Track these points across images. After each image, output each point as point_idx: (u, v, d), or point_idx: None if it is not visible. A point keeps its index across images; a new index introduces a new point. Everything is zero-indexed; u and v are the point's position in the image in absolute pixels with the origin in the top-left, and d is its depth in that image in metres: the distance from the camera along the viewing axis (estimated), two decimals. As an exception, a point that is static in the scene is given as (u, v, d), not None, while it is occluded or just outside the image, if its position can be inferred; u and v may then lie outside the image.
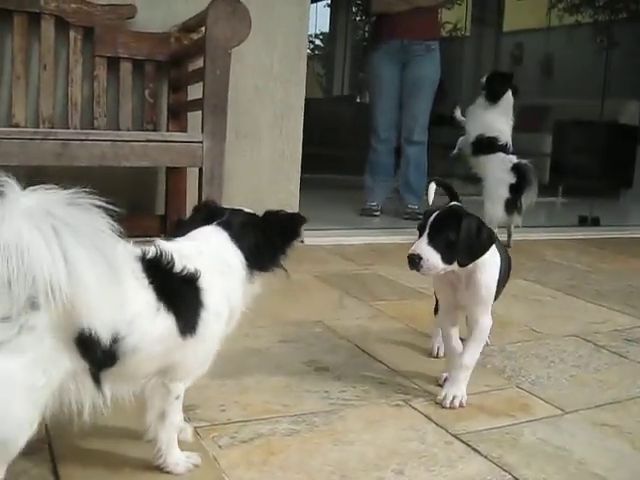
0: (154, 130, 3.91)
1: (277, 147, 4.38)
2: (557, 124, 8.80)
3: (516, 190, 4.60)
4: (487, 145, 4.79)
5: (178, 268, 1.48)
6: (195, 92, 3.76)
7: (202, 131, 3.14)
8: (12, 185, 1.22)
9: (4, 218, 1.18)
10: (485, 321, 2.11)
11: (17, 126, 3.60)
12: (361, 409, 2.00)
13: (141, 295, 1.41)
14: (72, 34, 3.76)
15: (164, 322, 1.43)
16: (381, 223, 5.46)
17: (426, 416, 1.98)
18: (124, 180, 3.85)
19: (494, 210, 4.64)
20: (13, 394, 1.25)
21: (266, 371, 2.20)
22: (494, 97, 4.87)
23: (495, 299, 2.16)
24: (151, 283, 1.42)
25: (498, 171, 4.69)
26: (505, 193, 4.62)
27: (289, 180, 4.32)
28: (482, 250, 1.99)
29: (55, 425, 1.65)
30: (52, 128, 3.62)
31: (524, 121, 8.86)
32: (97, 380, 1.39)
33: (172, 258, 1.48)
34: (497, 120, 4.84)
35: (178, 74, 3.95)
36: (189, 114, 3.91)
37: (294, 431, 1.83)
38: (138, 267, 1.43)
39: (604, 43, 10.43)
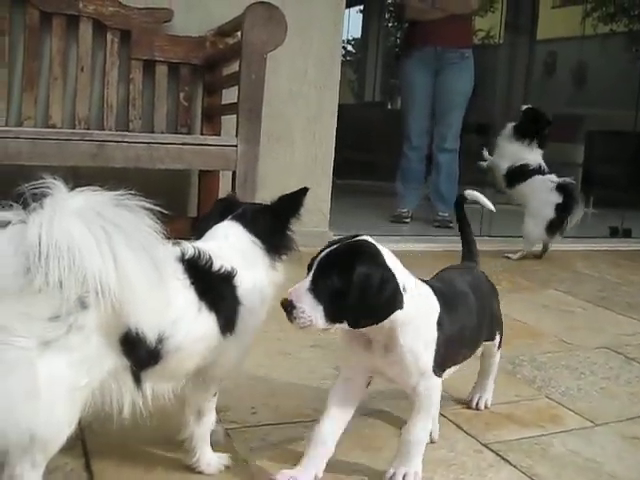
0: (188, 133, 3.94)
1: (310, 151, 4.39)
2: (589, 134, 8.74)
3: (562, 209, 4.57)
4: (520, 173, 4.76)
5: (216, 267, 1.51)
6: (229, 96, 3.79)
7: (236, 135, 3.16)
8: (59, 186, 1.25)
9: (54, 218, 1.20)
10: (427, 386, 1.61)
11: (54, 127, 3.64)
12: (391, 416, 2.00)
13: (184, 295, 1.44)
14: (109, 37, 3.80)
15: (206, 321, 1.47)
16: (411, 230, 5.46)
17: (456, 424, 1.98)
18: (157, 182, 3.86)
19: (536, 230, 4.61)
20: (57, 394, 1.26)
21: (297, 375, 2.21)
22: (523, 135, 4.84)
23: (454, 362, 1.74)
24: (192, 284, 1.46)
25: (541, 192, 4.65)
26: (551, 213, 4.58)
27: (320, 185, 4.32)
28: (383, 311, 1.47)
29: (89, 422, 1.68)
30: (88, 129, 3.67)
31: (556, 131, 8.81)
32: (138, 379, 1.40)
33: (210, 258, 1.51)
34: (524, 150, 4.82)
35: (213, 78, 3.98)
36: (223, 118, 3.94)
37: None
38: (179, 268, 1.46)
39: (639, 53, 10.34)
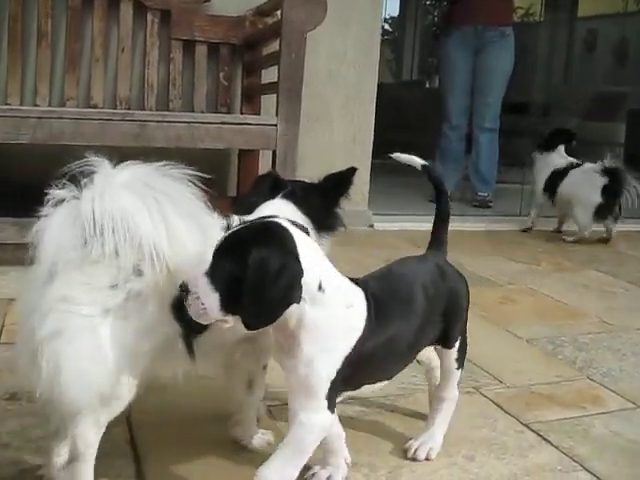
0: (227, 113, 3.96)
1: (348, 131, 4.39)
2: (631, 113, 8.60)
3: (610, 193, 4.50)
4: (556, 176, 4.71)
5: None
6: (269, 75, 3.80)
7: (276, 114, 3.17)
8: (104, 163, 1.31)
9: (104, 192, 1.26)
10: (305, 422, 1.32)
11: (95, 107, 3.69)
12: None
13: None
14: (149, 17, 3.83)
15: None
16: (451, 210, 5.42)
17: (497, 404, 1.98)
18: (197, 162, 3.90)
19: (585, 216, 4.54)
20: (120, 357, 1.30)
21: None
22: (548, 147, 4.80)
23: (375, 380, 1.48)
24: None
25: (583, 181, 4.58)
26: (597, 198, 4.50)
27: (360, 165, 4.23)
28: (276, 304, 1.24)
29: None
30: (129, 109, 3.71)
31: (596, 110, 8.69)
32: (190, 346, 1.42)
33: None
34: (555, 157, 4.76)
35: (252, 57, 3.99)
36: (262, 97, 3.95)
37: (364, 413, 1.85)
38: None
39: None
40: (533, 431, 1.83)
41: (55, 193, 1.30)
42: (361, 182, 4.39)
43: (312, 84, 3.97)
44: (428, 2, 17.21)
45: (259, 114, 3.92)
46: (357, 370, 1.35)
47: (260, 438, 1.66)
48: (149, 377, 1.40)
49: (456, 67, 5.65)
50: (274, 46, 3.65)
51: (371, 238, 4.13)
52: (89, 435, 1.32)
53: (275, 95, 3.31)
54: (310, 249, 1.31)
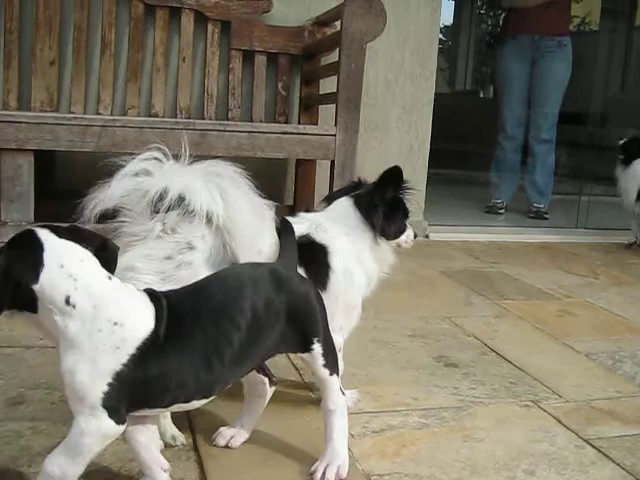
0: (286, 122, 4.00)
1: (405, 141, 4.39)
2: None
3: None
4: None
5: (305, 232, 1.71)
6: (326, 85, 3.82)
7: (335, 124, 3.19)
8: (182, 157, 1.54)
9: (173, 173, 1.46)
10: (82, 423, 1.27)
11: (156, 116, 3.75)
12: (490, 407, 2.00)
13: (272, 249, 1.61)
14: (210, 27, 3.89)
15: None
16: (506, 221, 5.40)
17: (556, 418, 1.96)
18: (255, 170, 3.95)
19: None
20: None
21: (396, 364, 2.22)
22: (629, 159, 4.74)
23: (186, 396, 1.35)
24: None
25: None
26: None
27: (416, 174, 4.30)
28: None
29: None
30: (189, 118, 3.76)
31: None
32: None
33: (293, 225, 1.65)
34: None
35: (310, 67, 4.02)
36: (320, 107, 3.98)
37: (424, 425, 1.85)
38: (273, 226, 1.64)
39: None
40: (594, 447, 1.81)
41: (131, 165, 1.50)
42: (417, 192, 4.38)
43: (369, 94, 3.99)
44: (482, 11, 17.11)
45: (316, 124, 3.95)
46: (145, 386, 1.29)
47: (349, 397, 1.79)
48: None
49: (512, 77, 5.61)
50: (332, 56, 3.69)
51: (427, 249, 4.13)
52: None
53: (332, 105, 3.34)
54: (68, 263, 1.24)
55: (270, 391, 1.64)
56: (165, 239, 1.47)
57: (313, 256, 1.70)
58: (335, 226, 1.79)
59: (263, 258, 1.58)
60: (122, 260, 1.40)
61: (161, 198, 1.45)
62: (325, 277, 1.71)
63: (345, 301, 1.76)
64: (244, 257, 1.53)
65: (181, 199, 1.46)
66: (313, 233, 1.75)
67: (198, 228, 1.50)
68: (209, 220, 1.48)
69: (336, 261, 1.74)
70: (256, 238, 1.54)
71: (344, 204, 1.84)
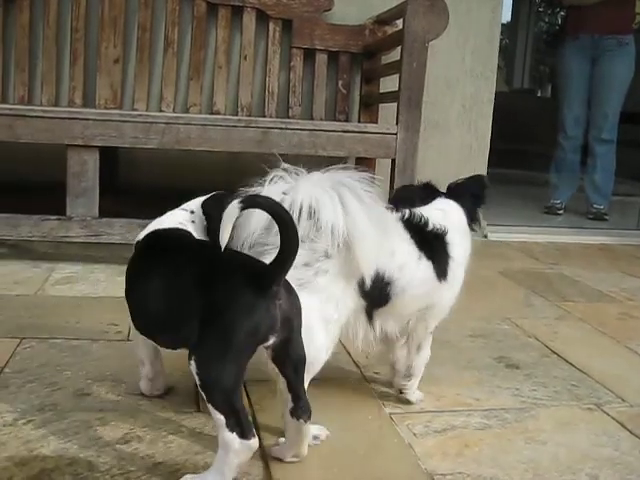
0: (346, 120, 4.01)
1: (465, 140, 4.37)
2: None
3: None
4: None
5: (430, 226, 1.81)
6: (386, 84, 3.82)
7: (397, 123, 3.19)
8: (301, 170, 1.61)
9: (300, 187, 1.54)
10: None
11: (218, 113, 3.80)
12: (552, 409, 1.98)
13: (405, 247, 1.76)
14: (271, 26, 3.92)
15: (425, 268, 1.78)
16: (565, 222, 5.32)
17: (619, 422, 1.93)
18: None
19: None
20: (314, 323, 1.58)
21: (457, 364, 2.22)
22: None
23: None
24: (411, 238, 1.77)
25: None
26: None
27: (476, 173, 4.27)
28: None
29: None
30: (250, 116, 3.80)
31: None
32: (370, 317, 1.74)
33: (424, 219, 1.82)
34: None
35: (371, 66, 4.02)
36: (380, 105, 3.98)
37: (486, 425, 1.84)
38: (400, 225, 1.78)
39: None
40: (659, 453, 1.79)
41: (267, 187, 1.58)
42: (476, 192, 4.36)
43: (429, 92, 3.97)
44: (541, 9, 16.94)
45: (377, 122, 3.95)
46: None
47: (419, 394, 1.95)
48: (336, 340, 1.69)
49: (572, 76, 5.53)
50: (392, 55, 3.69)
51: (486, 249, 4.10)
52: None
53: (392, 103, 3.34)
54: None
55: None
56: (302, 247, 1.48)
57: (436, 245, 1.83)
58: (452, 221, 1.90)
59: (397, 261, 1.72)
60: None
61: (294, 213, 1.52)
62: (446, 266, 1.84)
63: (456, 293, 1.89)
64: (368, 267, 1.64)
65: (311, 211, 1.55)
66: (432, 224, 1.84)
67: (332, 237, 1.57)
68: (332, 233, 1.55)
69: (455, 253, 1.86)
70: (376, 250, 1.62)
71: (452, 204, 1.95)
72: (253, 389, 1.91)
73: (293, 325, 1.43)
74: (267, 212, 1.38)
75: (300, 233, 1.43)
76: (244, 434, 1.36)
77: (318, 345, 1.60)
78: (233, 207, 1.34)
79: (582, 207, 5.65)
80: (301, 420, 1.48)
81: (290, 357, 1.45)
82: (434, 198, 1.94)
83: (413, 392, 1.93)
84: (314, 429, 1.66)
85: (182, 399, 1.85)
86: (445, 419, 1.85)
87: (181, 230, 1.70)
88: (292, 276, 1.48)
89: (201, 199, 1.81)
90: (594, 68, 5.43)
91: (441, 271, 1.81)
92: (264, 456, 1.58)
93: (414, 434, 1.76)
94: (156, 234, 1.72)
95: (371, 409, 1.88)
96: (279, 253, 1.38)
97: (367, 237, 1.57)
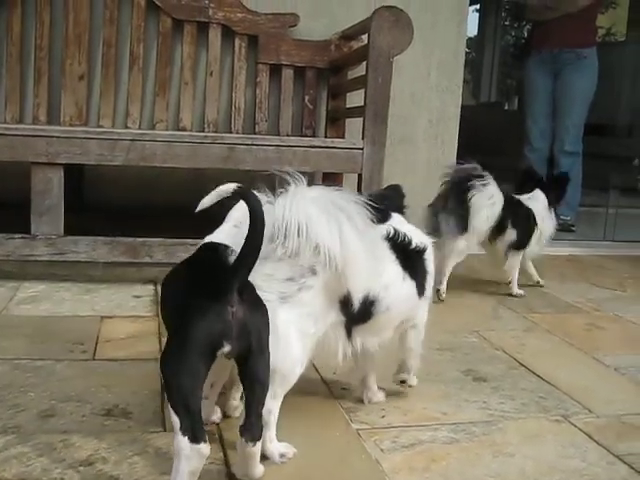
0: (313, 136, 4.01)
1: (432, 154, 4.39)
2: None
3: None
4: None
5: (413, 245, 1.87)
6: (353, 99, 3.83)
7: (362, 137, 3.20)
8: (300, 182, 1.61)
9: (294, 202, 1.54)
10: None
11: (184, 129, 3.79)
12: (519, 422, 1.99)
13: (392, 267, 1.81)
14: (237, 42, 3.92)
15: (408, 287, 1.84)
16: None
17: (586, 434, 1.94)
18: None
19: None
20: (291, 336, 1.60)
21: (424, 378, 2.21)
22: None
23: None
24: (397, 258, 1.82)
25: None
26: None
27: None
28: None
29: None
30: (216, 132, 3.79)
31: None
32: (349, 332, 1.75)
33: (408, 237, 1.87)
34: None
35: (337, 81, 4.03)
36: (346, 120, 3.99)
37: (454, 439, 1.84)
38: (386, 245, 1.82)
39: None
40: (625, 463, 1.79)
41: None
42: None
43: (395, 106, 3.98)
44: (507, 23, 17.09)
45: (343, 137, 3.96)
46: None
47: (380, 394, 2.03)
48: (312, 355, 1.70)
49: (536, 90, 5.61)
50: (359, 70, 3.70)
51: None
52: (270, 405, 1.59)
53: (358, 118, 3.35)
54: None
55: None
56: (287, 262, 1.57)
57: (417, 264, 1.92)
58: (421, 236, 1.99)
59: (383, 280, 1.76)
60: None
61: (283, 228, 1.55)
62: (425, 282, 1.95)
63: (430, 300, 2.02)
64: (357, 290, 1.68)
65: (301, 228, 1.54)
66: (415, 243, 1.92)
67: (319, 255, 1.58)
68: (326, 255, 1.57)
69: (430, 268, 1.97)
70: (366, 274, 1.66)
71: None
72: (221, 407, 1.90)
73: (251, 338, 1.43)
74: (250, 212, 1.41)
75: (289, 248, 1.54)
76: (195, 438, 1.37)
77: (294, 359, 1.62)
78: (228, 187, 1.45)
79: (549, 218, 5.68)
80: (243, 439, 1.47)
81: (247, 375, 1.46)
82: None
83: (413, 380, 2.07)
84: (281, 447, 1.65)
85: (149, 419, 1.84)
86: (412, 434, 1.85)
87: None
88: (276, 289, 1.57)
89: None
90: (556, 82, 5.50)
91: (421, 287, 1.90)
92: (230, 475, 1.58)
93: (381, 450, 1.75)
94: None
95: (338, 425, 1.88)
96: (235, 260, 1.42)
97: (359, 262, 1.61)
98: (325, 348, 1.74)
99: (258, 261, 1.43)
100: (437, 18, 4.32)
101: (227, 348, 1.41)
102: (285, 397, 1.67)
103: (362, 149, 3.19)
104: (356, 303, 1.68)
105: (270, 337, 1.49)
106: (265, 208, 1.47)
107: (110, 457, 1.62)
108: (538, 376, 2.34)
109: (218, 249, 1.58)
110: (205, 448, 1.38)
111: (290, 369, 1.62)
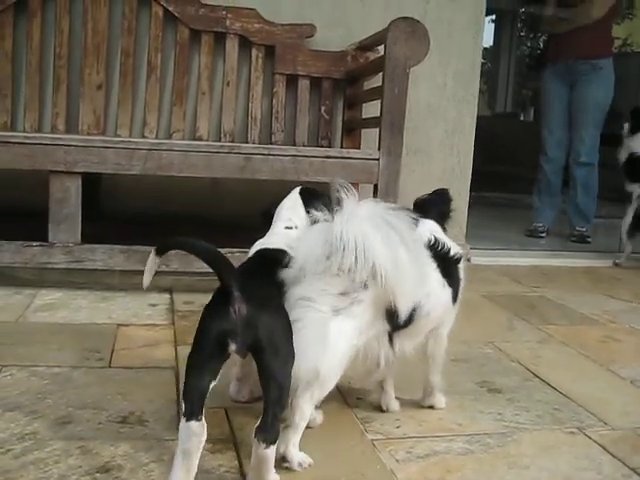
0: (328, 146, 4.03)
1: (447, 164, 4.39)
2: None
3: None
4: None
5: (451, 254, 1.95)
6: (369, 109, 3.84)
7: (379, 148, 3.20)
8: (352, 197, 1.66)
9: (350, 220, 1.61)
10: None
11: (200, 139, 3.81)
12: (534, 433, 1.98)
13: (434, 275, 1.89)
14: (254, 52, 3.94)
15: (446, 293, 1.93)
16: (548, 245, 5.35)
17: (602, 446, 1.93)
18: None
19: None
20: (339, 346, 1.67)
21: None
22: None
23: None
24: (438, 267, 1.90)
25: None
26: None
27: (459, 197, 4.28)
28: None
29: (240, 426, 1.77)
30: (232, 142, 3.81)
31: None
32: (391, 339, 1.81)
33: (447, 246, 1.95)
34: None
35: (353, 92, 4.04)
36: (362, 130, 4.00)
37: (469, 451, 1.84)
38: (428, 254, 1.89)
39: None
40: (640, 476, 1.79)
41: (314, 214, 1.71)
42: (459, 215, 4.38)
43: (411, 117, 3.99)
44: (522, 33, 17.08)
45: (359, 148, 3.97)
46: None
47: (442, 402, 2.11)
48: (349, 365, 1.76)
49: (552, 101, 5.63)
50: (375, 81, 3.71)
51: (469, 272, 4.10)
52: (305, 408, 1.67)
53: (374, 129, 3.36)
54: None
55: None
56: (342, 277, 1.64)
57: (454, 272, 2.01)
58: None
59: (426, 289, 1.83)
60: (298, 290, 1.67)
61: (340, 244, 1.61)
62: (458, 289, 2.04)
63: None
64: (405, 304, 1.75)
65: (358, 247, 1.60)
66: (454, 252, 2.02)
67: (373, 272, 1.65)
68: (377, 271, 1.63)
69: (463, 275, 2.07)
70: (414, 290, 1.75)
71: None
72: (235, 416, 1.91)
73: (259, 336, 1.48)
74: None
75: (345, 265, 1.61)
76: (187, 416, 1.45)
77: (337, 368, 1.70)
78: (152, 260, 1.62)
79: (565, 230, 5.68)
80: (256, 439, 1.49)
81: (263, 374, 1.50)
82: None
83: (441, 402, 2.11)
84: (299, 456, 1.66)
85: (165, 426, 1.84)
86: (427, 445, 1.85)
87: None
88: (329, 303, 1.65)
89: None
90: (572, 93, 5.51)
91: (455, 294, 1.98)
92: (246, 483, 1.58)
93: (396, 460, 1.75)
94: None
95: (353, 435, 1.88)
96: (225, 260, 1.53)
97: (409, 281, 1.69)
98: (368, 357, 1.79)
99: (315, 276, 1.62)
100: (453, 29, 4.32)
101: (234, 347, 1.47)
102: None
103: (378, 160, 3.20)
104: (403, 315, 1.75)
105: (319, 346, 1.62)
106: (321, 226, 1.65)
107: (126, 464, 1.63)
108: (553, 388, 2.33)
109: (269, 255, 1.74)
110: (194, 425, 1.45)
111: (331, 375, 1.69)
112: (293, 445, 1.66)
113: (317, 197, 1.93)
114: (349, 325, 1.68)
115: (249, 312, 1.47)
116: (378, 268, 1.62)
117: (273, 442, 1.49)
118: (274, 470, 1.54)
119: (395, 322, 1.77)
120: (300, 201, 1.99)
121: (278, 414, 1.50)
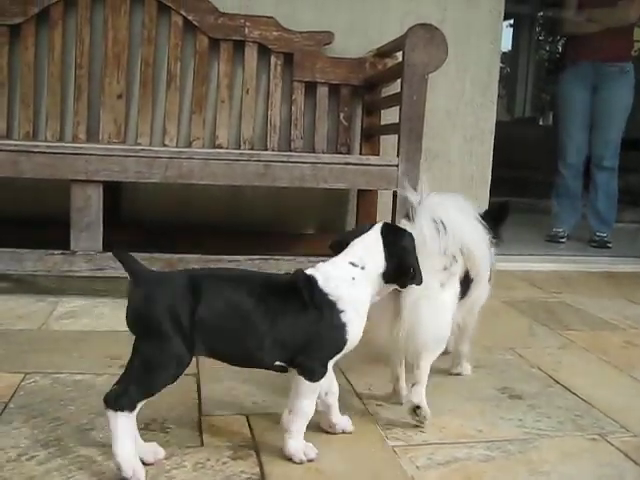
0: (347, 153, 4.04)
1: (466, 170, 4.39)
2: None
3: None
4: None
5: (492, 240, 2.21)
6: (387, 116, 3.85)
7: (398, 155, 3.21)
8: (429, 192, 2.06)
9: (443, 206, 1.97)
10: None
11: (220, 147, 3.83)
12: (556, 440, 1.98)
13: (492, 253, 2.21)
14: (273, 60, 3.96)
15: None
16: (568, 250, 5.32)
17: (624, 452, 1.92)
18: (315, 200, 4.01)
19: None
20: (446, 315, 2.00)
21: (460, 395, 2.22)
22: None
23: None
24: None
25: None
26: None
27: (478, 203, 4.28)
28: None
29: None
30: (252, 149, 3.83)
31: None
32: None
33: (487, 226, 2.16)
34: None
35: (372, 98, 4.05)
36: (381, 137, 4.01)
37: (489, 457, 1.84)
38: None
39: None
40: (669, 486, 1.78)
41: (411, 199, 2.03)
42: (478, 221, 4.37)
43: (430, 124, 3.99)
44: (541, 37, 17.02)
45: (378, 154, 3.98)
46: None
47: (469, 369, 2.47)
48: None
49: (573, 104, 5.54)
50: (393, 87, 3.72)
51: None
52: (427, 367, 1.98)
53: (393, 135, 3.36)
54: None
55: None
56: (441, 255, 1.94)
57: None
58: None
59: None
60: None
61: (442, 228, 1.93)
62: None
63: None
64: (484, 270, 2.13)
65: (455, 230, 1.93)
66: None
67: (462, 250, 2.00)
68: (468, 252, 2.01)
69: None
70: (487, 258, 2.10)
71: None
72: (256, 423, 1.92)
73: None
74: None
75: (445, 245, 1.92)
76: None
77: (445, 331, 2.01)
78: None
79: (585, 235, 5.65)
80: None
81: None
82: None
83: (467, 370, 2.46)
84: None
85: (186, 433, 1.86)
86: (448, 451, 1.85)
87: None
88: (438, 278, 1.95)
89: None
90: (595, 95, 5.44)
91: (491, 272, 2.25)
92: (267, 490, 1.59)
93: (417, 467, 1.75)
94: None
95: (374, 441, 1.88)
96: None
97: (482, 250, 2.04)
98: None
99: (426, 257, 1.86)
100: (471, 34, 4.32)
101: None
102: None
103: (397, 166, 3.20)
104: (480, 283, 2.14)
105: (437, 317, 1.97)
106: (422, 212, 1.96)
107: (148, 471, 1.63)
108: (574, 394, 2.33)
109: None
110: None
111: (445, 340, 2.02)
112: (424, 397, 1.96)
113: (399, 237, 1.80)
114: (450, 295, 1.99)
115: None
116: (468, 243, 1.96)
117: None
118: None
119: (464, 292, 2.07)
120: (381, 243, 1.77)
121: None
